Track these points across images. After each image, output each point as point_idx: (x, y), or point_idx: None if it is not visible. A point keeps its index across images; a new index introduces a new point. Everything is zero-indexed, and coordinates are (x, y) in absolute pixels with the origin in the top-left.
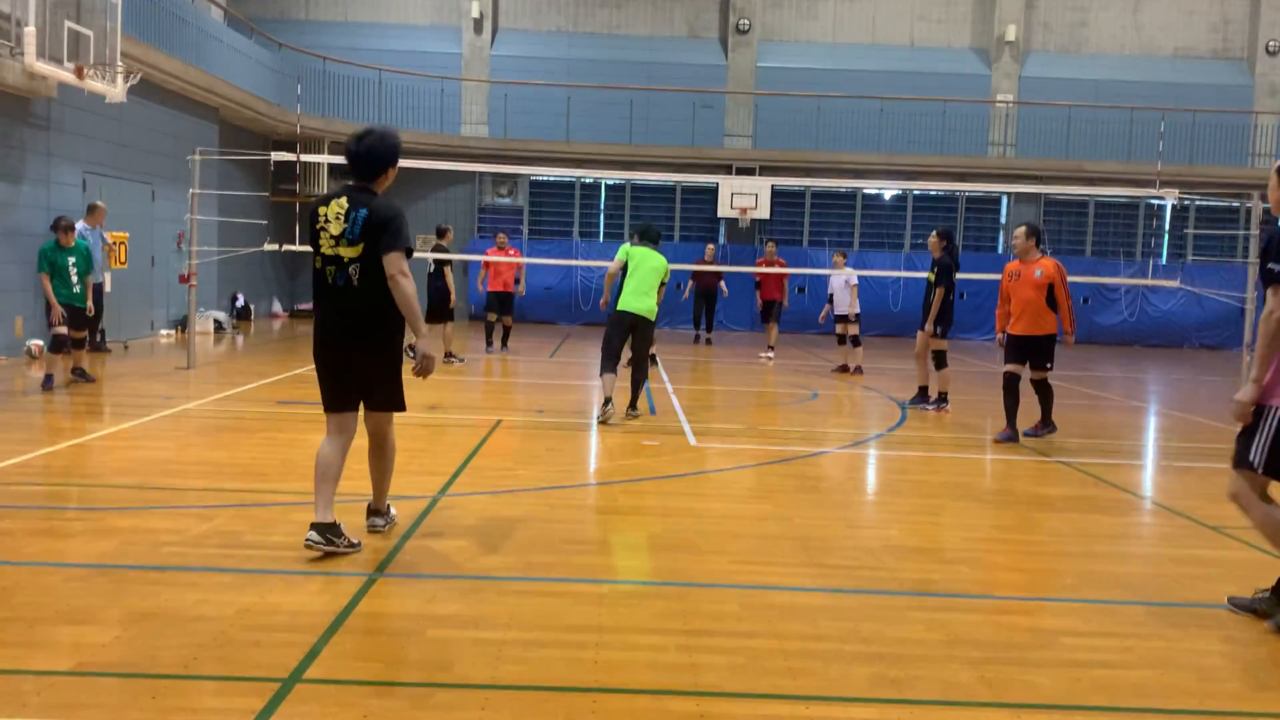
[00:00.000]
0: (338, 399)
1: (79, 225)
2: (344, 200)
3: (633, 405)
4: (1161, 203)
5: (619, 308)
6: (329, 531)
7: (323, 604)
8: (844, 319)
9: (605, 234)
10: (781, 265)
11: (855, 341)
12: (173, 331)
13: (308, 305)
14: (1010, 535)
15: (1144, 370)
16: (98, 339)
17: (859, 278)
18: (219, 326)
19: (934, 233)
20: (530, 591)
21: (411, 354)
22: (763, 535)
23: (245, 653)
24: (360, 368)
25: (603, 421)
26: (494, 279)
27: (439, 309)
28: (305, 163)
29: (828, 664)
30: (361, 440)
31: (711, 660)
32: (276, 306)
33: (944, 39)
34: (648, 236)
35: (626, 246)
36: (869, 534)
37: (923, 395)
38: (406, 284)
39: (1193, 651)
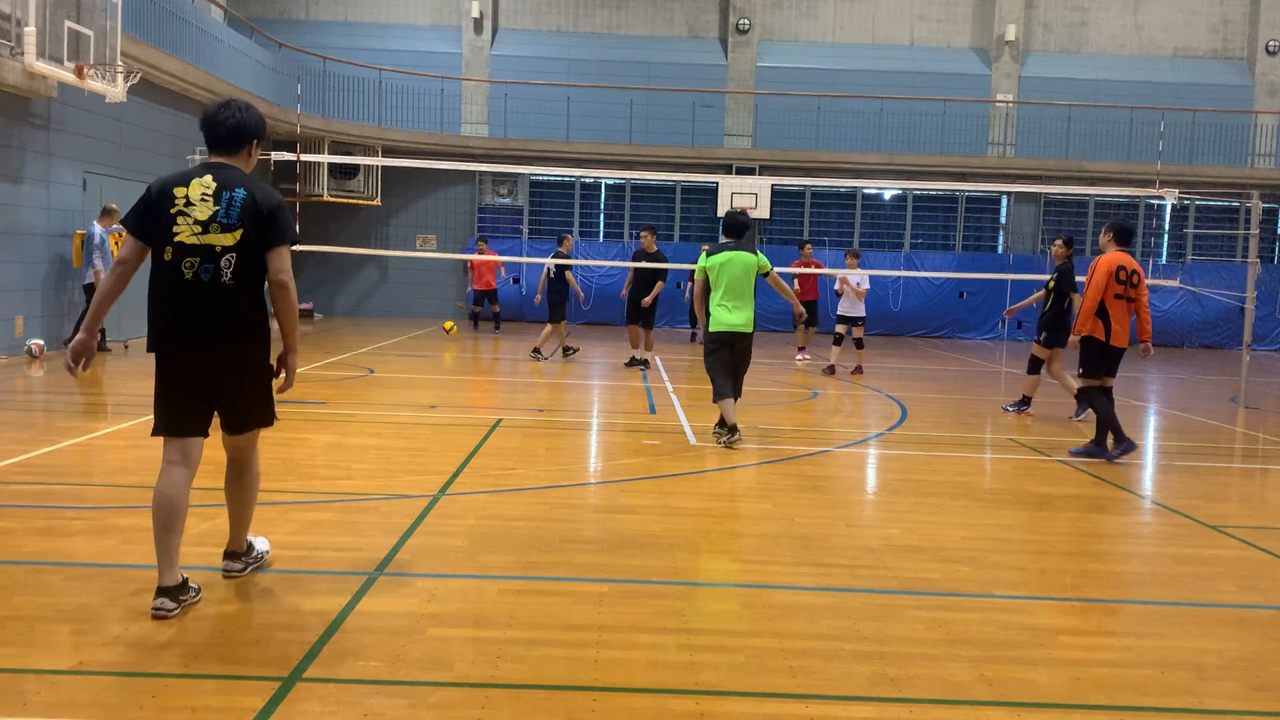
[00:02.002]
0: (186, 421)
1: (95, 227)
2: (208, 179)
3: (731, 428)
4: (1161, 203)
5: (712, 329)
6: (180, 592)
7: (323, 603)
8: (846, 320)
9: (605, 234)
10: (818, 266)
11: (859, 344)
12: None
13: (308, 305)
14: (1010, 535)
15: (1144, 370)
16: (98, 339)
17: (869, 279)
18: None
19: (1058, 239)
20: (530, 591)
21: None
22: (763, 535)
23: (245, 651)
24: (223, 381)
25: (728, 446)
26: (478, 279)
27: (558, 309)
28: (305, 162)
29: (828, 663)
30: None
31: (711, 659)
32: None
33: (944, 39)
34: (732, 230)
35: (703, 256)
36: (869, 533)
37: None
38: (293, 288)
39: (1192, 651)
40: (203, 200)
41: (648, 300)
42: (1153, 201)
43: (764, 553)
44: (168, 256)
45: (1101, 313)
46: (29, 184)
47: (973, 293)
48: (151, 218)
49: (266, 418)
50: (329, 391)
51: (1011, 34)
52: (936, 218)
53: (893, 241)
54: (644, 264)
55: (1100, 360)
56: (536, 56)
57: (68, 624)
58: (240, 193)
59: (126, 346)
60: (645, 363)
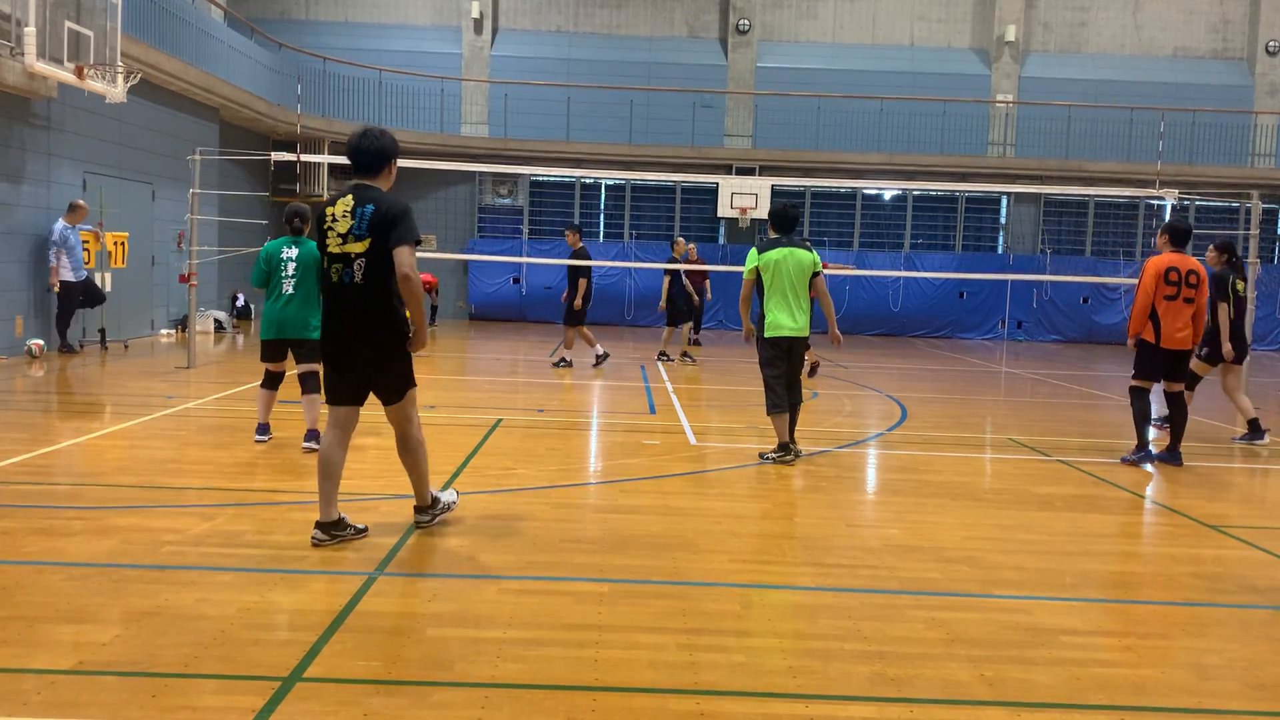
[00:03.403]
0: (339, 393)
1: (58, 225)
2: (349, 199)
3: (791, 439)
4: (1161, 203)
5: (768, 335)
6: (333, 528)
7: (323, 603)
8: None
9: (605, 234)
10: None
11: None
12: (173, 331)
13: None
14: (1010, 535)
15: None
16: (98, 338)
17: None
18: (219, 326)
19: (1212, 246)
20: (530, 591)
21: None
22: (763, 535)
23: (245, 651)
24: (365, 363)
25: (786, 463)
26: None
27: (685, 311)
28: (305, 163)
29: (828, 663)
30: (366, 439)
31: (711, 659)
32: None
33: (944, 39)
34: (783, 224)
35: (754, 253)
36: (869, 533)
37: (1255, 430)
38: (415, 279)
39: (1192, 651)
40: (343, 217)
41: (578, 301)
42: (1153, 201)
43: (764, 553)
44: (325, 264)
45: (1152, 314)
46: (29, 184)
47: (973, 293)
48: (319, 233)
49: (406, 387)
50: None
51: (1011, 34)
52: (936, 218)
53: (893, 241)
54: (571, 262)
55: (1150, 362)
56: (536, 56)
57: (68, 624)
58: (369, 207)
59: (126, 346)
60: (569, 363)
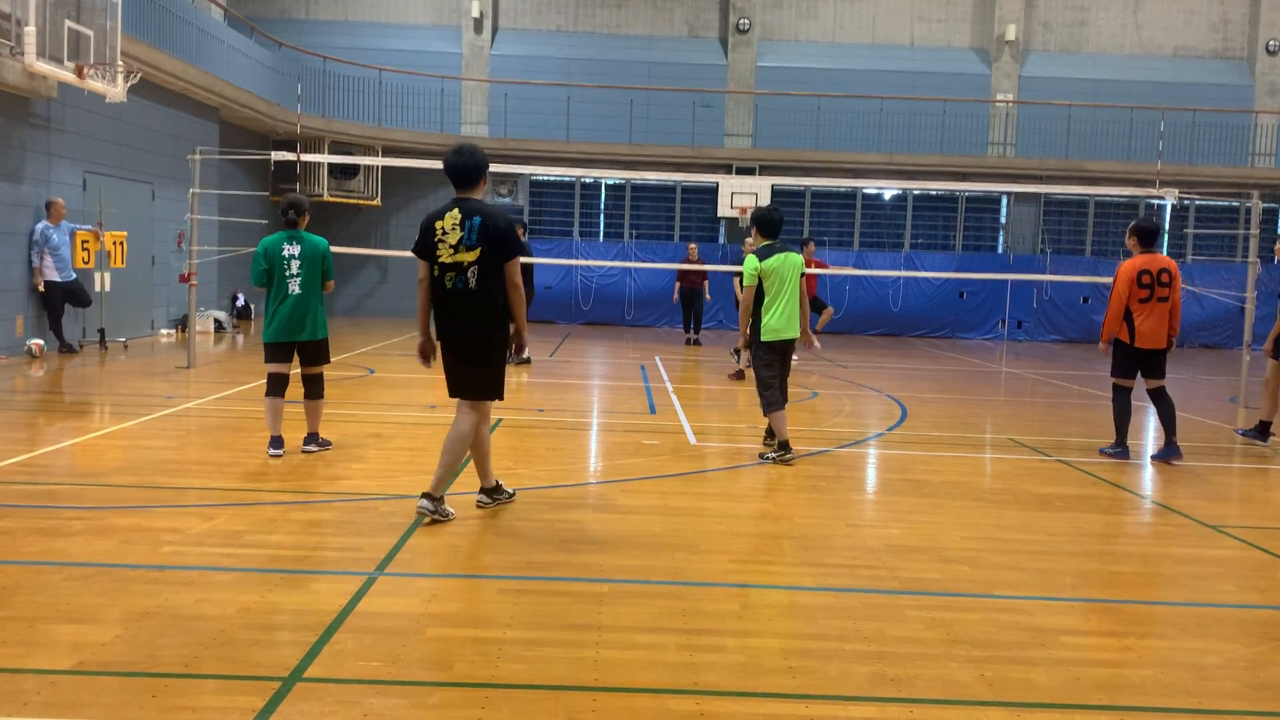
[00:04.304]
0: (456, 389)
1: (40, 225)
2: (455, 212)
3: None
4: (1161, 202)
5: (766, 339)
6: (439, 502)
7: (323, 603)
8: None
9: (605, 234)
10: (821, 266)
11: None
12: (173, 331)
13: None
14: (1010, 535)
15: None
16: (98, 338)
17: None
18: (219, 326)
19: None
20: (530, 591)
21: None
22: (763, 535)
23: (245, 652)
24: (467, 361)
25: (786, 463)
26: None
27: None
28: (305, 162)
29: (828, 663)
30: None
31: (711, 659)
32: None
33: (944, 39)
34: (771, 228)
35: (752, 260)
36: (869, 533)
37: (1262, 430)
38: (522, 289)
39: (1192, 651)
40: (453, 229)
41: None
42: (1153, 201)
43: (764, 553)
44: (436, 272)
45: (1127, 316)
46: (29, 184)
47: (973, 293)
48: (425, 245)
49: (492, 394)
50: (329, 392)
51: (1011, 34)
52: (936, 218)
53: (893, 241)
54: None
55: (1126, 361)
56: (536, 56)
57: (68, 624)
58: (477, 219)
59: (126, 346)
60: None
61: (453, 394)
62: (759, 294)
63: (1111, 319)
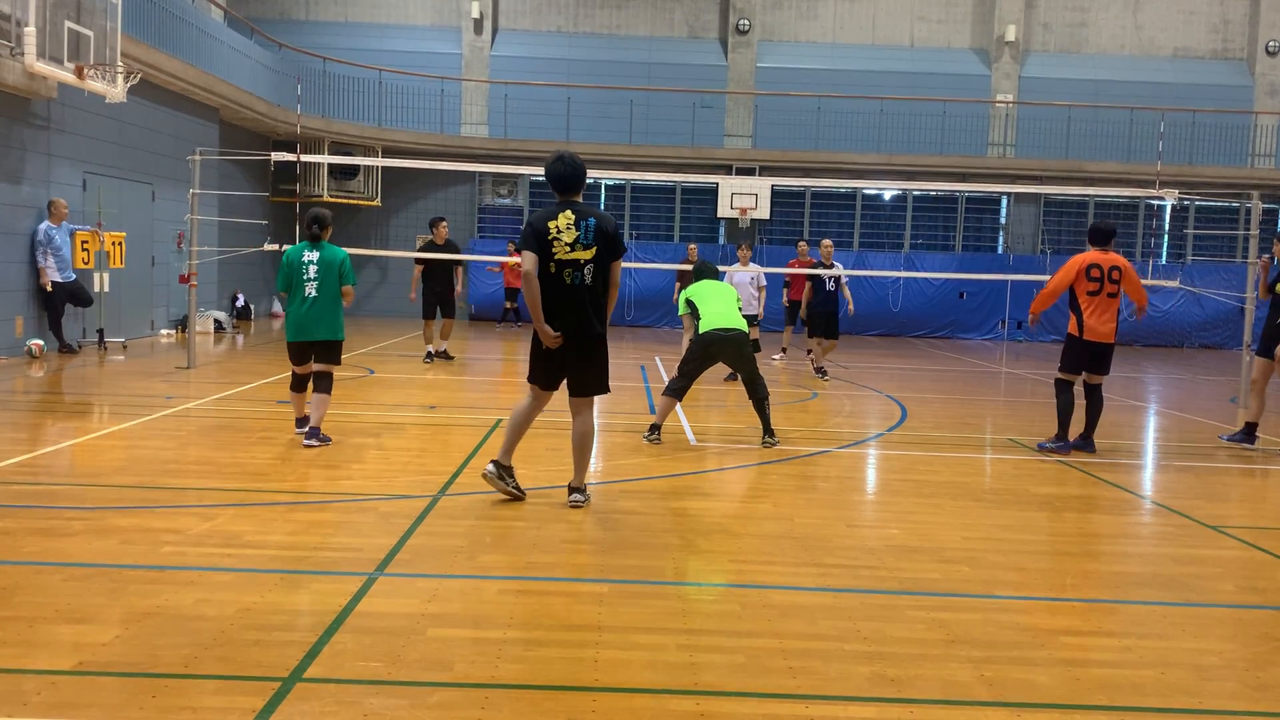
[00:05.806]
0: (552, 380)
1: (43, 225)
2: (569, 214)
3: (768, 431)
4: (1161, 203)
5: (704, 328)
6: (506, 471)
7: (323, 603)
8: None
9: None
10: (814, 266)
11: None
12: (173, 331)
13: None
14: (1010, 535)
15: (1144, 370)
16: (97, 338)
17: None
18: (219, 326)
19: (1277, 238)
20: (530, 591)
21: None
22: (763, 535)
23: (245, 652)
24: (582, 354)
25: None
26: (509, 275)
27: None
28: (305, 163)
29: (828, 663)
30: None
31: (711, 660)
32: (276, 306)
33: (944, 39)
34: (704, 275)
35: (690, 291)
36: (869, 533)
37: (1248, 432)
38: (619, 285)
39: (1192, 651)
40: (568, 229)
41: (458, 289)
42: (1153, 202)
43: (764, 553)
44: (552, 269)
45: (1075, 307)
46: (29, 184)
47: (973, 293)
48: (539, 243)
49: (606, 388)
50: None
51: (1011, 34)
52: (936, 218)
53: (893, 242)
54: (435, 256)
55: (1074, 356)
56: (536, 57)
57: (68, 624)
58: (592, 221)
59: (126, 346)
60: (448, 355)
61: (574, 394)
62: (696, 310)
63: (1044, 295)
